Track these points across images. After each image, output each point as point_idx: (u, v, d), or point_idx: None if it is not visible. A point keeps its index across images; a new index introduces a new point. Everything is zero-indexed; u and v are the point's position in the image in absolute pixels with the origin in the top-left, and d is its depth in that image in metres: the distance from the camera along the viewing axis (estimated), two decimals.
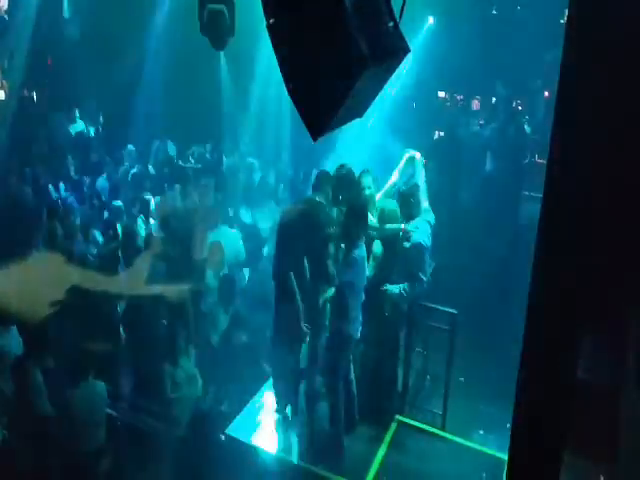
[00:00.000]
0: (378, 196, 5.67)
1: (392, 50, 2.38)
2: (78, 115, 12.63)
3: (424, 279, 5.30)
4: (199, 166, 10.99)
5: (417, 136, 12.83)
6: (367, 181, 5.60)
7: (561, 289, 1.80)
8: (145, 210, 8.56)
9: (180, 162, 11.12)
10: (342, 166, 5.57)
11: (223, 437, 5.31)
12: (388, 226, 5.43)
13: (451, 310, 5.55)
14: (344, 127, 2.57)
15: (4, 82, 14.77)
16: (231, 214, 8.81)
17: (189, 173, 10.28)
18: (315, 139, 2.32)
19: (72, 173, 10.40)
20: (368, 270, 5.15)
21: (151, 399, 5.97)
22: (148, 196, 8.96)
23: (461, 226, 7.27)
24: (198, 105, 14.06)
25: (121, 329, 6.62)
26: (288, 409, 5.58)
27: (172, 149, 11.72)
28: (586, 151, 1.76)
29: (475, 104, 13.88)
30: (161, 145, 11.63)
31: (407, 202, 5.43)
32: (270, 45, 2.22)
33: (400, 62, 2.50)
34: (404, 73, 10.00)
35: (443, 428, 5.61)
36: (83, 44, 13.35)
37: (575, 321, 1.75)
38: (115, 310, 6.79)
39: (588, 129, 1.74)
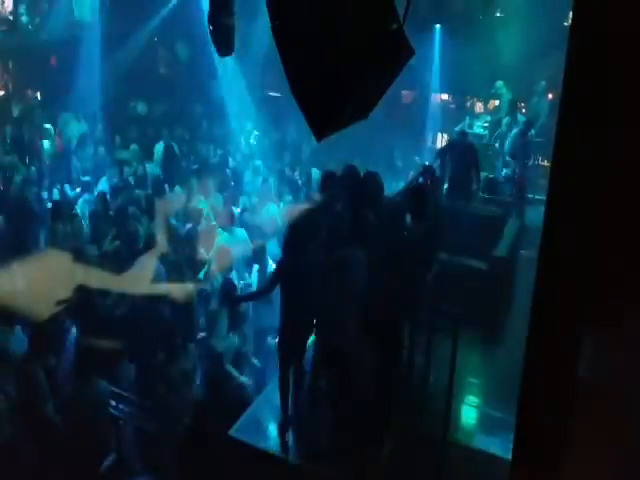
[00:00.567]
0: None
1: (396, 52, 2.38)
2: (81, 115, 12.69)
3: (425, 278, 5.26)
4: (195, 166, 11.03)
5: (420, 138, 12.96)
6: (375, 181, 5.63)
7: (563, 289, 1.80)
8: (149, 210, 8.58)
9: (183, 163, 11.16)
10: (347, 167, 5.59)
11: (226, 438, 5.30)
12: None
13: (455, 311, 5.53)
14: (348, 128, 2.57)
15: (8, 81, 14.87)
16: (236, 214, 8.82)
17: (193, 173, 10.31)
18: (319, 140, 2.33)
19: (77, 173, 10.43)
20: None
21: (153, 399, 5.98)
22: (152, 196, 9.00)
23: (466, 227, 7.27)
24: (202, 105, 14.16)
25: (124, 329, 6.62)
26: (291, 410, 5.58)
27: (176, 149, 11.75)
28: (590, 152, 1.76)
29: (479, 106, 13.90)
30: (165, 145, 11.66)
31: (418, 201, 5.45)
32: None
33: (404, 64, 2.51)
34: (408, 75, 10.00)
35: (447, 431, 5.59)
36: (86, 44, 13.44)
37: (577, 322, 1.75)
38: (118, 310, 6.80)
39: (592, 130, 1.74)
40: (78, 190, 9.99)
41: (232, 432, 5.32)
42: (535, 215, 9.25)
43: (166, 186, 9.78)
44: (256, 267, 7.28)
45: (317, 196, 5.62)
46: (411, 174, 9.35)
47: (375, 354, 5.59)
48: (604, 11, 1.66)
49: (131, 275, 6.91)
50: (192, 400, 5.93)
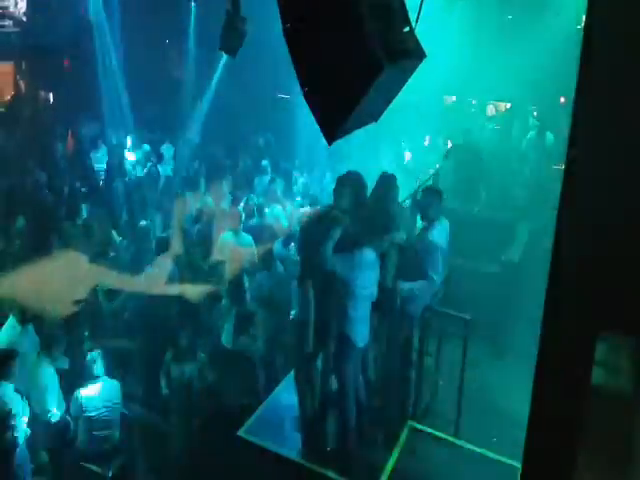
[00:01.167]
0: None
1: (408, 54, 2.38)
2: (94, 116, 12.80)
3: (435, 279, 5.29)
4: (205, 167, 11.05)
5: (431, 140, 12.93)
6: (389, 184, 5.64)
7: (577, 293, 1.79)
8: (162, 210, 8.64)
9: (195, 164, 11.20)
10: (350, 172, 5.61)
11: (235, 438, 5.31)
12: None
13: (465, 316, 5.51)
14: (358, 130, 2.56)
15: (22, 82, 15.02)
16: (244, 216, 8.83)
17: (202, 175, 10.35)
18: (330, 143, 2.33)
19: (90, 173, 10.50)
20: (380, 273, 5.13)
21: (163, 399, 6.00)
22: (163, 196, 9.05)
23: (477, 231, 7.24)
24: (211, 107, 14.21)
25: (135, 329, 6.66)
26: (305, 411, 5.57)
27: (186, 150, 11.81)
28: (604, 156, 1.74)
29: (490, 109, 13.85)
30: (176, 146, 11.73)
31: (427, 203, 5.44)
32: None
33: (416, 66, 2.50)
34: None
35: (456, 435, 5.57)
36: (99, 45, 13.54)
37: (592, 326, 1.73)
38: (131, 310, 6.83)
39: (606, 134, 1.73)
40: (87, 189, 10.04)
41: (241, 433, 5.33)
42: (547, 218, 9.20)
43: (177, 186, 9.82)
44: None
45: (329, 200, 5.64)
46: (421, 176, 9.33)
47: (390, 355, 5.60)
48: (619, 12, 1.65)
49: (145, 275, 6.95)
50: (200, 400, 5.94)
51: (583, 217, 1.78)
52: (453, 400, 5.63)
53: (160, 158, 11.40)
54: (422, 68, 2.54)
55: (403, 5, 2.38)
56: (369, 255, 4.94)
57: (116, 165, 10.62)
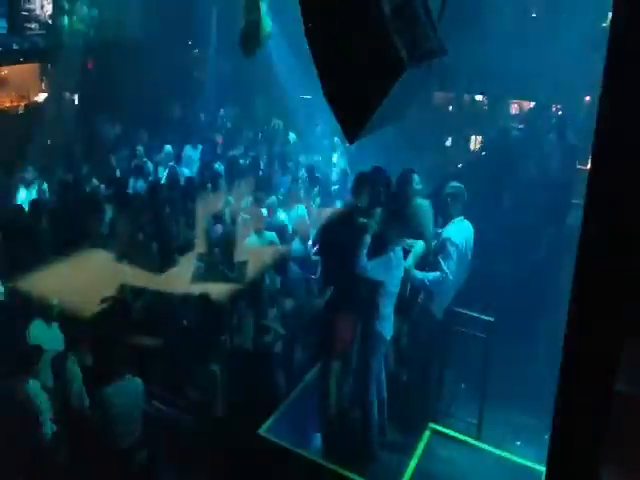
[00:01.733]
0: None
1: (431, 53, 2.36)
2: (115, 119, 12.95)
3: (447, 272, 5.26)
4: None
5: (455, 139, 12.83)
6: (414, 180, 5.61)
7: (603, 295, 1.75)
8: (184, 211, 8.70)
9: (216, 165, 11.24)
10: (376, 168, 5.58)
11: (256, 437, 5.33)
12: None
13: (487, 317, 5.46)
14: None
15: (46, 83, 15.26)
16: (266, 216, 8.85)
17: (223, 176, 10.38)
18: (351, 142, 2.32)
19: (114, 174, 10.61)
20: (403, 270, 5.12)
21: (186, 397, 6.04)
22: (185, 197, 9.11)
23: (501, 232, 7.17)
24: (233, 107, 14.29)
25: (159, 326, 6.72)
26: (326, 411, 5.56)
27: (209, 151, 11.86)
28: (630, 155, 1.71)
29: (514, 108, 13.71)
30: (199, 146, 11.80)
31: (448, 202, 5.42)
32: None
33: (439, 65, 2.48)
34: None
35: (478, 438, 5.51)
36: (122, 47, 13.70)
37: (618, 330, 1.70)
38: (153, 308, 6.90)
39: (632, 133, 1.69)
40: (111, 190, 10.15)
41: (262, 431, 5.34)
42: (572, 219, 9.08)
43: (198, 187, 9.86)
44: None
45: (350, 198, 5.62)
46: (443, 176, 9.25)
47: (412, 356, 5.58)
48: None
49: (169, 274, 7.03)
50: (222, 398, 5.97)
51: (609, 218, 1.75)
52: (475, 402, 5.58)
53: (181, 159, 11.47)
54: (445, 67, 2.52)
55: (426, 3, 2.36)
56: (399, 253, 4.98)
57: (138, 166, 10.72)
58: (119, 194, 9.37)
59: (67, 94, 14.51)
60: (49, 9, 12.88)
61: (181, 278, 6.82)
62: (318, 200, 9.67)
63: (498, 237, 6.94)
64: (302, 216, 8.72)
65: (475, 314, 5.55)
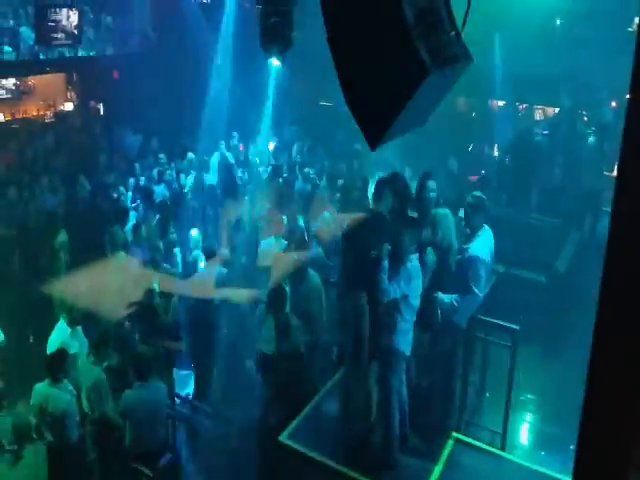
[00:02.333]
0: None
1: (454, 59, 2.34)
2: (138, 128, 13.13)
3: (478, 293, 5.16)
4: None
5: (476, 146, 12.74)
6: (431, 185, 5.56)
7: (630, 302, 1.71)
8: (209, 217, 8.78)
9: (240, 172, 11.33)
10: (395, 174, 5.55)
11: (277, 444, 5.31)
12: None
13: (513, 326, 5.38)
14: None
15: (72, 94, 15.54)
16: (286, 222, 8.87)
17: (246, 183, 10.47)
18: (374, 148, 2.30)
19: (137, 181, 10.74)
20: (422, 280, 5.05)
21: (211, 402, 6.07)
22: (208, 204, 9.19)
23: (526, 239, 7.08)
24: (253, 114, 14.37)
25: (183, 332, 6.77)
26: (348, 420, 5.53)
27: (231, 158, 11.95)
28: None
29: (539, 113, 13.58)
30: (220, 155, 11.88)
31: (473, 212, 5.32)
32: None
33: (463, 71, 2.46)
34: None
35: (502, 448, 5.43)
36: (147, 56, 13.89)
37: None
38: (178, 313, 6.95)
39: None
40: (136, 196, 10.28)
41: (283, 438, 5.32)
42: (599, 226, 8.94)
43: (221, 194, 9.94)
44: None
45: (371, 204, 5.59)
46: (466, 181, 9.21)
47: (434, 365, 5.51)
48: None
49: (192, 281, 7.09)
50: (244, 403, 5.99)
51: (636, 223, 1.72)
52: (500, 412, 5.51)
53: (205, 166, 11.57)
54: (468, 72, 2.50)
55: (449, 9, 2.35)
56: (416, 262, 4.88)
57: (161, 173, 10.86)
58: (144, 201, 9.50)
59: (92, 102, 14.76)
60: (75, 20, 13.11)
61: (205, 283, 6.86)
62: (338, 206, 9.67)
63: (523, 243, 6.86)
64: (326, 221, 8.71)
65: (500, 322, 5.47)
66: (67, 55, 13.85)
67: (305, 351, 6.39)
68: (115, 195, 9.84)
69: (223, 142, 12.41)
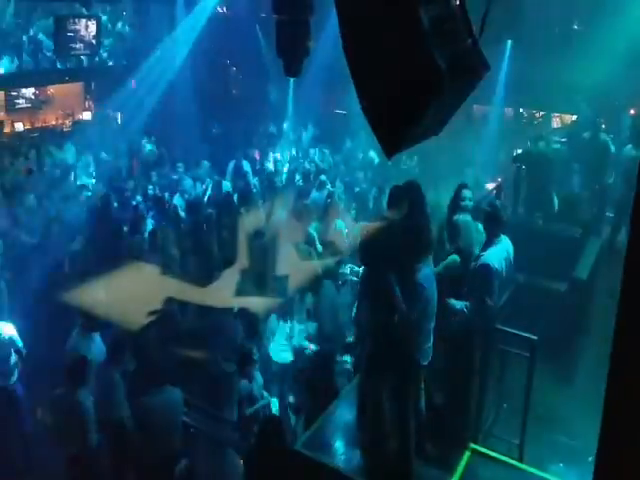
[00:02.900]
0: None
1: (471, 67, 2.33)
2: (153, 138, 13.27)
3: (489, 303, 5.08)
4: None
5: (491, 153, 12.69)
6: (467, 194, 5.54)
7: None
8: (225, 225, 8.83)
9: (256, 180, 11.39)
10: (411, 183, 5.53)
11: (292, 452, 5.29)
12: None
13: (531, 336, 5.31)
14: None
15: (91, 103, 15.76)
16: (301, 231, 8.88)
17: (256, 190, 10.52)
18: (390, 157, 2.30)
19: (153, 190, 10.84)
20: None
21: (225, 410, 6.07)
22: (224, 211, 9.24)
23: (544, 245, 7.01)
24: (269, 122, 14.48)
25: (198, 339, 6.79)
26: (365, 429, 5.49)
27: (247, 166, 12.02)
28: None
29: (556, 121, 13.50)
30: (235, 163, 11.97)
31: (489, 221, 5.27)
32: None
33: (479, 79, 2.45)
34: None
35: (520, 459, 5.36)
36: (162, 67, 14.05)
37: None
38: (193, 321, 6.98)
39: None
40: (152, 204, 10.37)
41: (298, 446, 5.30)
42: (618, 234, 8.84)
43: (238, 202, 9.99)
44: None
45: (387, 212, 5.56)
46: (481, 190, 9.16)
47: (451, 375, 5.46)
48: None
49: (212, 288, 7.11)
50: (258, 410, 5.98)
51: None
52: (517, 423, 5.44)
53: (225, 174, 11.66)
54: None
55: (466, 17, 2.34)
56: (429, 270, 4.85)
57: (178, 181, 10.96)
58: (162, 209, 9.57)
59: (110, 112, 14.95)
60: (93, 30, 13.31)
61: (224, 292, 6.88)
62: (354, 214, 9.67)
63: (542, 251, 6.78)
64: (340, 230, 8.73)
65: (518, 332, 5.41)
66: (86, 64, 14.07)
67: (321, 359, 6.39)
68: (133, 203, 9.94)
69: (239, 150, 12.52)
